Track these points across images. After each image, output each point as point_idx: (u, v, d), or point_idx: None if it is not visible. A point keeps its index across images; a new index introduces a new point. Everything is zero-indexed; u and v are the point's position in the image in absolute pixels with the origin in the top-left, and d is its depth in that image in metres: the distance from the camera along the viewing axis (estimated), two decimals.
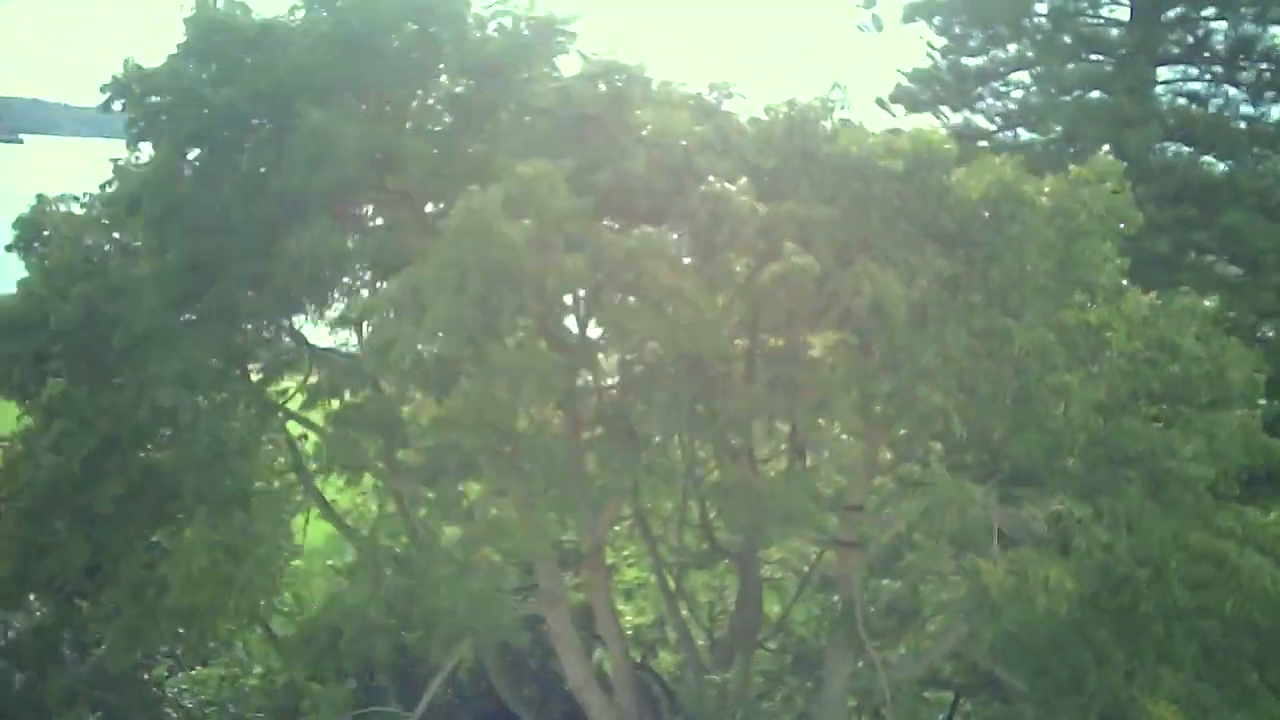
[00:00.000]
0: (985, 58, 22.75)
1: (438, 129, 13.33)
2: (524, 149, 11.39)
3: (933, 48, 22.93)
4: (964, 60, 22.70)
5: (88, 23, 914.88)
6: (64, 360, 13.87)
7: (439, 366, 11.09)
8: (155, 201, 13.20)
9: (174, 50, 13.47)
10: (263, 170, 13.05)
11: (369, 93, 13.26)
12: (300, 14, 13.30)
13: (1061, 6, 21.56)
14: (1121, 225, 12.23)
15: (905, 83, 22.89)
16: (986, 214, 11.32)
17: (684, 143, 11.46)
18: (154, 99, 13.35)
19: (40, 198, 14.67)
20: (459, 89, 13.10)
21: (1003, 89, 22.89)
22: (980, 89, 22.88)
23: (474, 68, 12.72)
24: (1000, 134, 22.77)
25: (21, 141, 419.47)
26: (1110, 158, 12.50)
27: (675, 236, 11.29)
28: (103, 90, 13.60)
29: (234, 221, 12.92)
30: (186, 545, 13.10)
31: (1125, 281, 12.41)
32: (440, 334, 10.51)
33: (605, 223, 11.32)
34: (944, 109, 22.89)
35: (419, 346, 10.86)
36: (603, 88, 11.88)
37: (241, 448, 13.46)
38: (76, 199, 14.58)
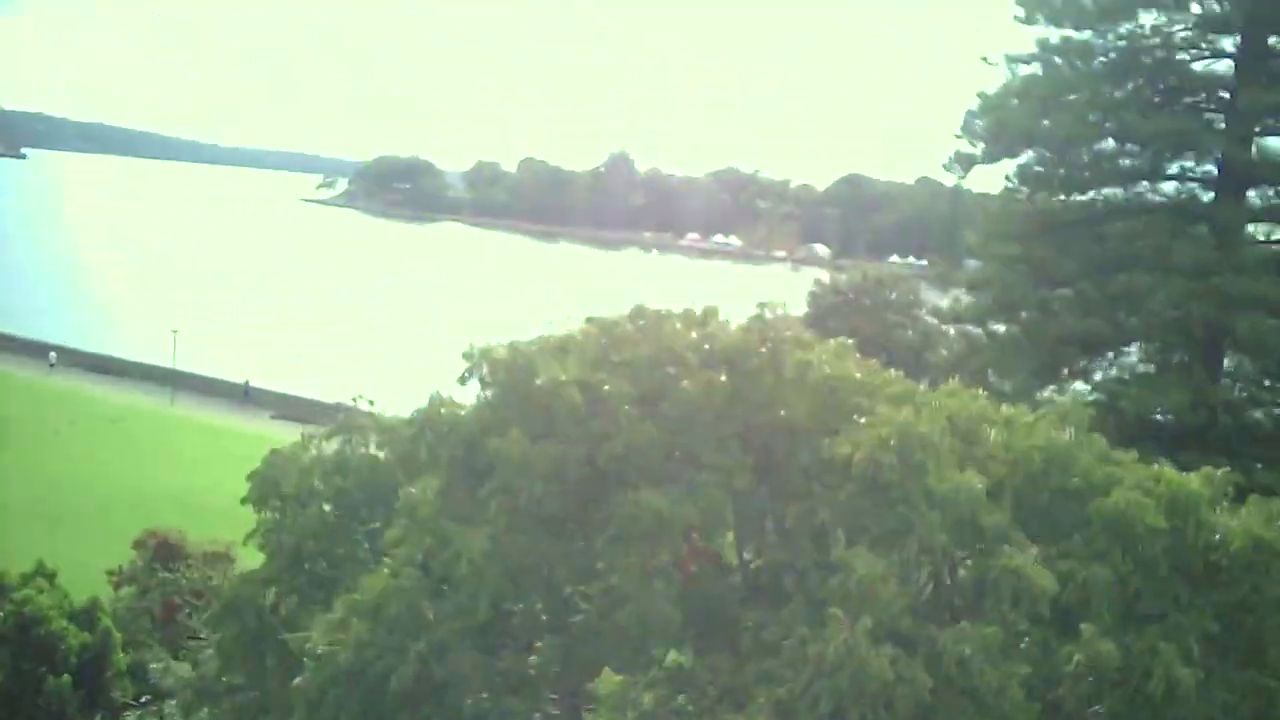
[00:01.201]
0: None
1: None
2: (833, 518, 9.91)
3: None
4: None
5: (89, 36, 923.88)
6: None
7: None
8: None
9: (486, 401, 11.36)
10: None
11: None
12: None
13: None
14: None
15: None
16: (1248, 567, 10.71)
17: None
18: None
19: (273, 451, 13.49)
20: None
21: None
22: None
23: (777, 422, 10.82)
24: None
25: (25, 157, 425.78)
26: None
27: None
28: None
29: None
30: None
31: None
32: None
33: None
34: None
35: None
36: (895, 460, 10.01)
37: None
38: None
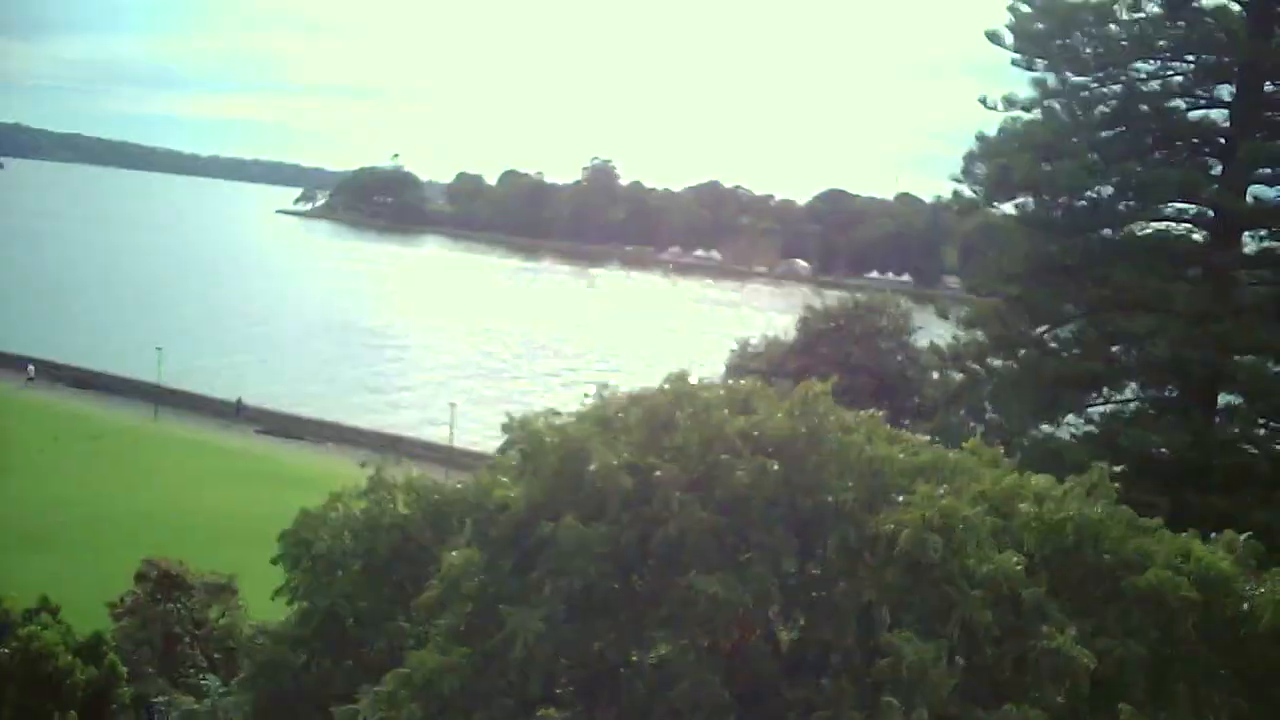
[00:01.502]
0: None
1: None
2: (878, 597, 10.10)
3: None
4: None
5: (68, 47, 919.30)
6: None
7: None
8: None
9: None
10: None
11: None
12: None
13: None
14: None
15: None
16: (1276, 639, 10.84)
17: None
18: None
19: (304, 511, 13.60)
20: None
21: None
22: None
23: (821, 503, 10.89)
24: None
25: (3, 166, 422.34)
26: None
27: None
28: None
29: None
30: None
31: None
32: None
33: None
34: None
35: None
36: (938, 541, 10.19)
37: None
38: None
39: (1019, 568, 9.83)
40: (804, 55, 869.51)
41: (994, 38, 27.41)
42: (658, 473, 9.76)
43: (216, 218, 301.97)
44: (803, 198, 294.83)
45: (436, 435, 67.63)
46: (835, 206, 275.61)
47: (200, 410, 71.45)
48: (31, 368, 76.39)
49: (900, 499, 10.08)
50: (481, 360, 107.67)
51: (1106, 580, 10.46)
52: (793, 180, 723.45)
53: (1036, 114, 26.03)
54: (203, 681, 21.35)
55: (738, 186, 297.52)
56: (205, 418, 70.19)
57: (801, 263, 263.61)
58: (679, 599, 9.48)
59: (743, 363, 48.05)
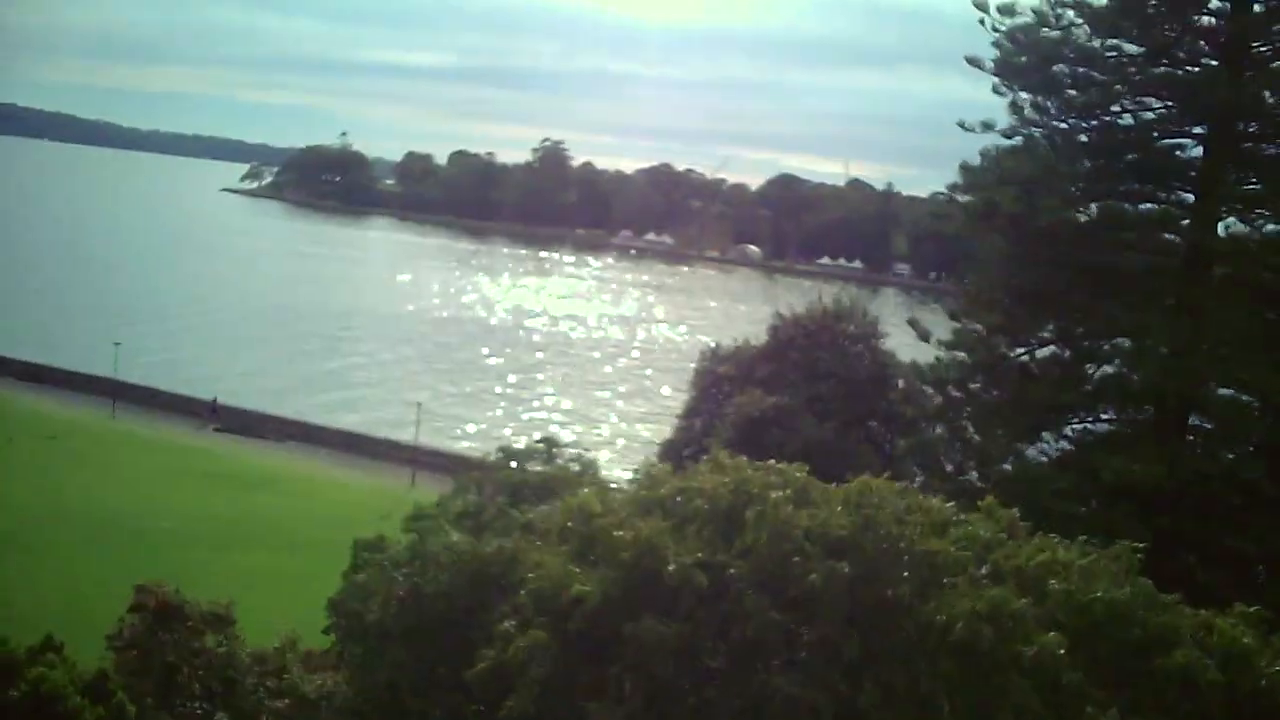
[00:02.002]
0: None
1: None
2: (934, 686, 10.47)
3: None
4: None
5: (62, 30, 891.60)
6: None
7: None
8: None
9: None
10: None
11: None
12: None
13: None
14: None
15: None
16: None
17: None
18: None
19: (351, 581, 15.10)
20: None
21: None
22: None
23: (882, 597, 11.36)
24: None
25: None
26: None
27: None
28: None
29: None
30: None
31: None
32: None
33: None
34: None
35: None
36: (990, 631, 10.60)
37: None
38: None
39: (1062, 652, 10.40)
40: (748, 39, 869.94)
41: (974, 63, 28.03)
42: (731, 570, 10.17)
43: (161, 196, 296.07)
44: (755, 182, 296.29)
45: (401, 434, 67.17)
46: (786, 191, 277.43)
47: (160, 406, 70.39)
48: None
49: (947, 582, 10.59)
50: (441, 353, 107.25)
51: (1136, 658, 11.05)
52: (745, 165, 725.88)
53: (1017, 140, 26.73)
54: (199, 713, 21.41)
55: (689, 170, 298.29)
56: (165, 414, 69.21)
57: (753, 248, 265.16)
58: (754, 694, 9.91)
59: (712, 367, 48.53)
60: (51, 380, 74.25)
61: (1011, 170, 24.83)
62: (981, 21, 27.42)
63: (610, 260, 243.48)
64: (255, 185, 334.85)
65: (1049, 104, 25.34)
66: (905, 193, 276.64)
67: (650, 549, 10.35)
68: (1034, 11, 26.41)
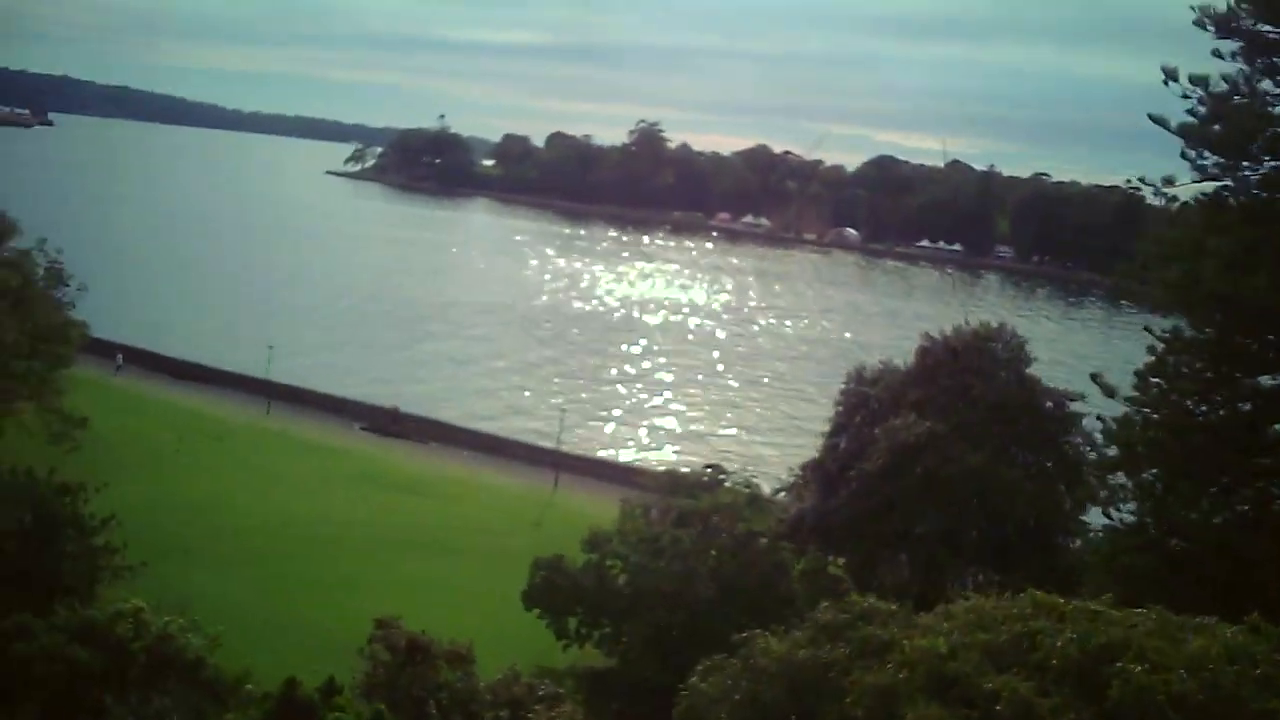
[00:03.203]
0: None
1: None
2: None
3: None
4: None
5: (164, 12, 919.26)
6: None
7: None
8: None
9: None
10: None
11: None
12: None
13: None
14: None
15: None
16: None
17: None
18: None
19: None
20: None
21: None
22: None
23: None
24: None
25: (52, 124, 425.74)
26: None
27: None
28: None
29: None
30: None
31: None
32: None
33: None
34: None
35: None
36: None
37: None
38: None
39: None
40: (837, 11, 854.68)
41: (1159, 121, 28.51)
42: None
43: (271, 179, 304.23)
44: (851, 162, 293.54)
45: (543, 439, 69.18)
46: (884, 173, 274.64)
47: (307, 404, 73.48)
48: (120, 356, 76.82)
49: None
50: (567, 349, 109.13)
51: None
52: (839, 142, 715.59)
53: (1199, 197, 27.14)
54: None
55: (786, 151, 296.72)
56: (312, 412, 72.23)
57: (851, 231, 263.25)
58: None
59: (858, 387, 49.51)
60: (199, 378, 77.51)
61: (1212, 248, 25.14)
62: (1165, 83, 27.90)
63: (708, 245, 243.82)
64: (358, 168, 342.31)
65: (1243, 170, 25.74)
66: (1006, 172, 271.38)
67: (1025, 708, 11.67)
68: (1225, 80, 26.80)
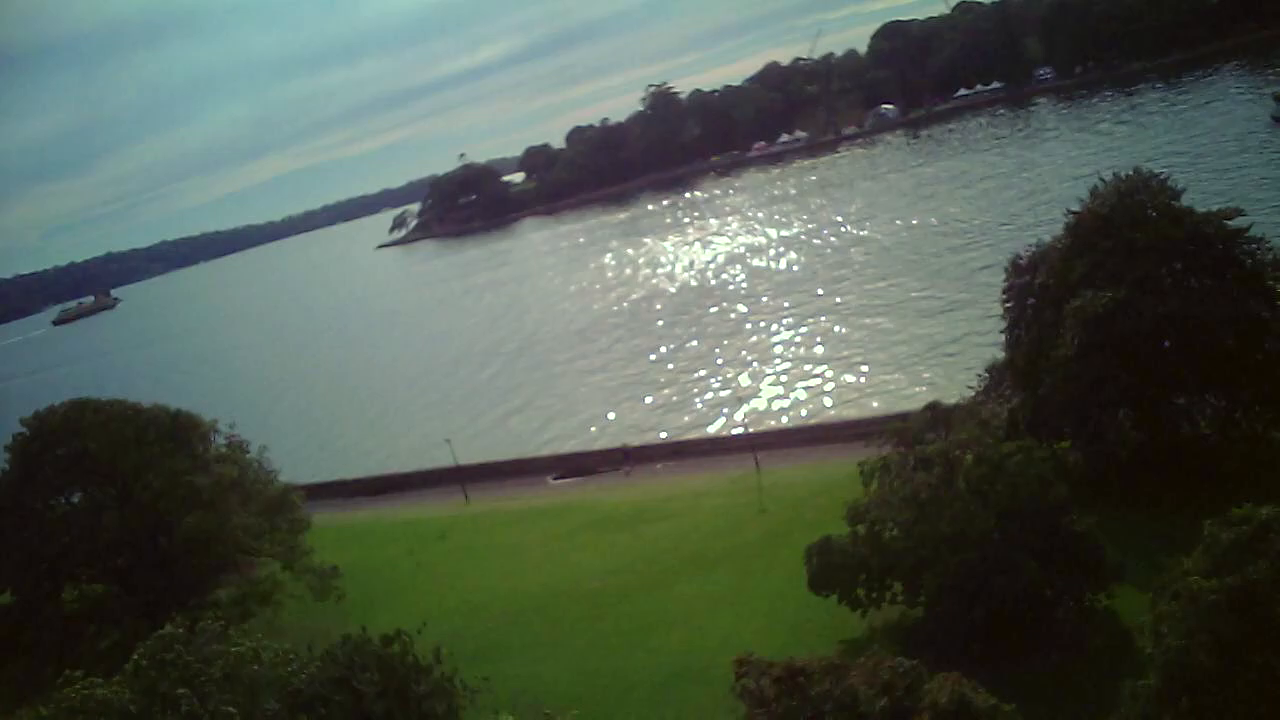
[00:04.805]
0: None
1: None
2: None
3: None
4: None
5: (114, 165, 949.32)
6: None
7: None
8: None
9: None
10: None
11: None
12: None
13: None
14: None
15: None
16: None
17: None
18: None
19: None
20: None
21: None
22: None
23: None
24: None
25: (119, 302, 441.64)
26: None
27: None
28: None
29: None
30: None
31: None
32: None
33: None
34: None
35: None
36: None
37: None
38: None
39: None
40: None
41: None
42: None
43: (332, 274, 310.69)
44: (860, 43, 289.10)
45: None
46: (898, 43, 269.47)
47: (494, 476, 76.23)
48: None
49: None
50: (677, 338, 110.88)
51: None
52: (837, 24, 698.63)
53: None
54: None
55: (797, 59, 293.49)
56: (503, 484, 74.88)
57: (887, 107, 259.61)
58: None
59: (1017, 280, 50.59)
60: (392, 488, 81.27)
61: None
62: None
63: (755, 176, 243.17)
64: (403, 233, 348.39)
65: None
66: None
67: None
68: None
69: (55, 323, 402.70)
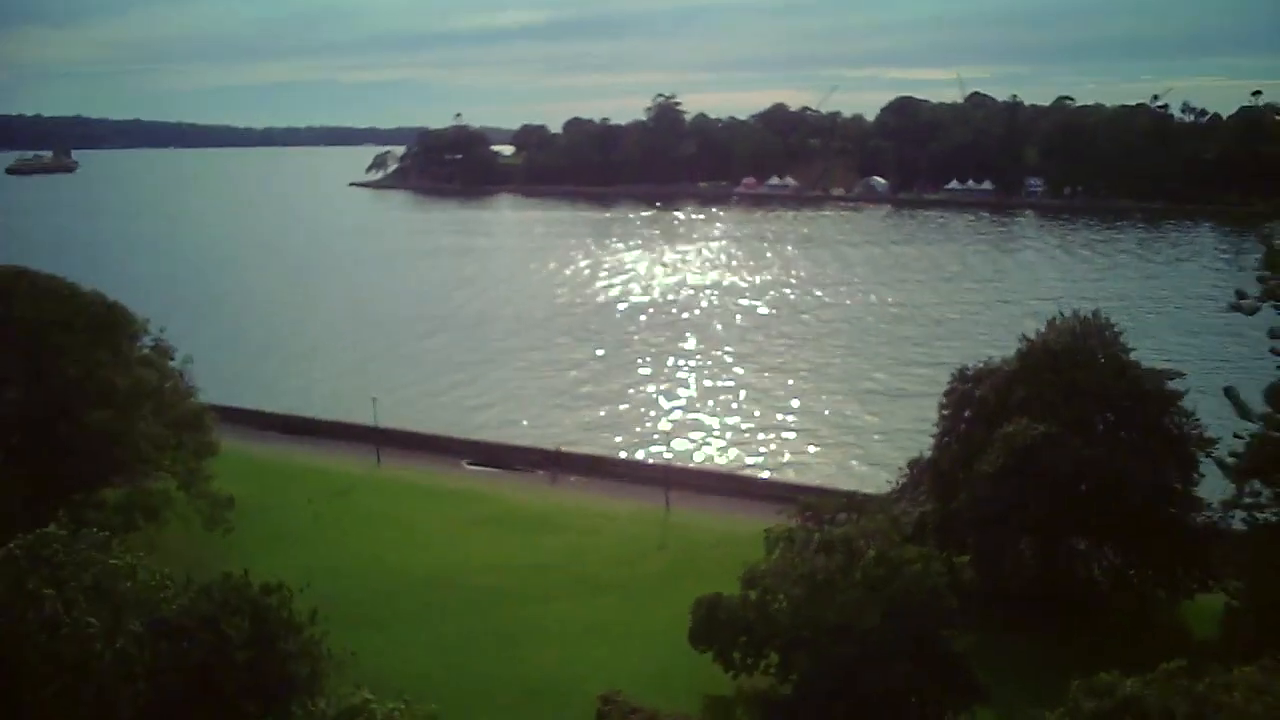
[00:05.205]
0: None
1: None
2: None
3: None
4: None
5: (109, 29, 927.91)
6: None
7: None
8: None
9: None
10: None
11: None
12: None
13: None
14: None
15: None
16: None
17: None
18: None
19: None
20: None
21: None
22: None
23: None
24: None
25: (77, 166, 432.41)
26: None
27: None
28: None
29: None
30: None
31: None
32: None
33: None
34: None
35: None
36: None
37: None
38: None
39: None
40: None
41: None
42: None
43: (298, 197, 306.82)
44: (869, 106, 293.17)
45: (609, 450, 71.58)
46: (906, 119, 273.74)
47: (414, 447, 75.60)
48: None
49: None
50: (632, 351, 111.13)
51: None
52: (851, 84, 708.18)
53: None
54: None
55: (805, 108, 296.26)
56: (418, 456, 74.26)
57: (879, 180, 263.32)
58: None
59: (961, 386, 51.81)
60: (307, 430, 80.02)
61: None
62: None
63: (738, 212, 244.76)
64: (380, 175, 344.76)
65: None
66: (1027, 100, 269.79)
67: None
68: None
69: (8, 170, 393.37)
